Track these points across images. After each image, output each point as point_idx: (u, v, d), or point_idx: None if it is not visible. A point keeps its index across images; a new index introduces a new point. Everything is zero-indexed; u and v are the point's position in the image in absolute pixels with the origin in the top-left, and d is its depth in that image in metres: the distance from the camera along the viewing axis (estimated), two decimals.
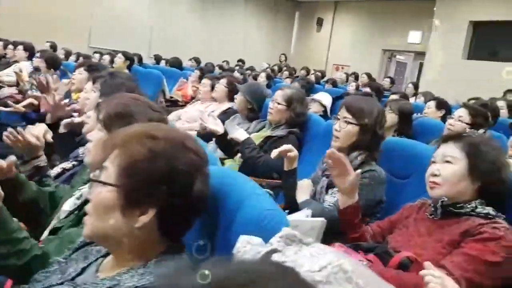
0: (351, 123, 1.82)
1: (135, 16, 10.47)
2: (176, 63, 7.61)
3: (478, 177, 1.41)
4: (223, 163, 2.75)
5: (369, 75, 8.97)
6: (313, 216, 1.57)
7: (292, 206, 1.82)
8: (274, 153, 1.78)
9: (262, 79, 6.40)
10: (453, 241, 1.33)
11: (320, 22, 13.45)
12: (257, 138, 2.56)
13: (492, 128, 3.05)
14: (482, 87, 6.75)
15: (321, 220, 1.45)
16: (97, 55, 7.24)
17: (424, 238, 1.41)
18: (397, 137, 3.06)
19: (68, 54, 7.14)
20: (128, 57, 5.39)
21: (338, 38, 13.37)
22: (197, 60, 9.56)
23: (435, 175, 1.44)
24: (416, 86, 8.21)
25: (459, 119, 2.63)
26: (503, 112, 4.32)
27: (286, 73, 9.75)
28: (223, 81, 3.45)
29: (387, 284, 0.95)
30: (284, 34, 14.23)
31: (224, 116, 3.29)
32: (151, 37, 10.85)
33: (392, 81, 8.89)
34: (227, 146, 2.65)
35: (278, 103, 2.56)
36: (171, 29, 11.03)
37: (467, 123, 2.61)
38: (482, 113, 2.63)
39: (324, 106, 4.06)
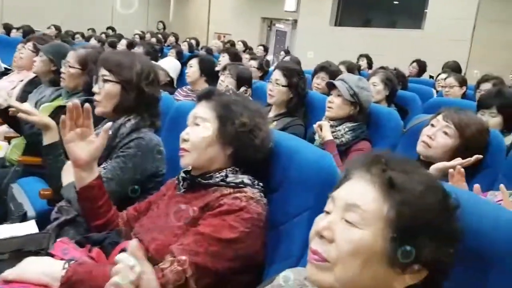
0: (109, 80, 1.49)
1: None
2: (29, 33, 6.68)
3: (229, 142, 1.17)
4: (9, 142, 2.30)
5: (244, 43, 8.81)
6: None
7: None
8: None
9: (122, 46, 5.84)
10: (193, 218, 1.09)
11: None
12: (46, 109, 2.13)
13: None
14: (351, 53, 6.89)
15: None
16: None
17: (168, 218, 1.14)
18: None
19: None
20: None
21: (217, 6, 12.97)
22: (57, 28, 8.62)
23: (184, 140, 1.18)
24: (287, 53, 8.22)
25: (276, 82, 2.47)
26: None
27: (172, 39, 9.26)
28: (29, 45, 2.90)
29: None
30: (162, 1, 13.46)
31: (31, 86, 2.79)
32: (2, 4, 9.51)
33: (266, 49, 8.81)
34: (15, 122, 2.18)
35: (70, 66, 2.15)
36: None
37: (283, 85, 2.46)
38: (296, 72, 2.48)
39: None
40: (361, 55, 6.66)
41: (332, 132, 2.20)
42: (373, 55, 6.61)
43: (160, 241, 1.06)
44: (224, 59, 4.74)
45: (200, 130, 1.17)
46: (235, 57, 4.72)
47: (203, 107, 1.21)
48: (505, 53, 6.82)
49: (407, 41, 7.29)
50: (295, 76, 2.49)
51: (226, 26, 12.61)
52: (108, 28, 10.53)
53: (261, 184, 1.18)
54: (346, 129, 2.19)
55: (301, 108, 2.57)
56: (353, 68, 4.81)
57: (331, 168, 1.12)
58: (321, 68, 3.52)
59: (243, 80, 2.93)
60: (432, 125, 1.69)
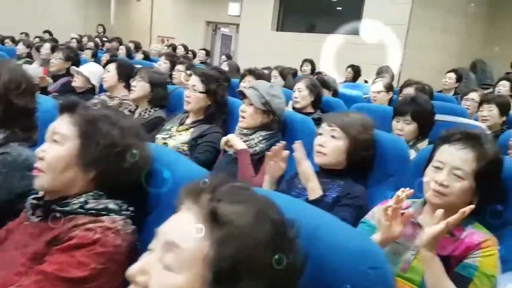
0: None
1: None
2: None
3: (92, 163, 1.05)
4: None
5: (185, 47, 8.64)
6: None
7: None
8: None
9: (46, 50, 5.50)
10: (38, 254, 0.95)
11: None
12: None
13: None
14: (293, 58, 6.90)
15: None
16: None
17: (15, 251, 1.00)
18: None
19: None
20: None
21: (160, 9, 12.71)
22: None
23: (39, 159, 1.04)
24: (229, 57, 8.14)
25: (193, 88, 2.37)
26: None
27: (115, 44, 8.92)
28: None
29: None
30: (101, 4, 13.02)
31: None
32: None
33: (208, 53, 8.69)
34: None
35: None
36: None
37: (201, 92, 2.36)
38: (215, 78, 2.39)
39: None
40: (305, 60, 6.68)
41: (246, 141, 2.12)
42: (316, 60, 6.67)
43: (0, 279, 0.92)
44: (164, 64, 4.61)
45: (57, 149, 1.04)
46: (173, 62, 4.56)
47: (64, 122, 1.07)
48: (438, 57, 7.09)
49: (347, 46, 7.41)
50: (213, 83, 2.39)
51: (170, 30, 12.37)
52: (44, 31, 10.03)
53: (131, 208, 1.06)
54: (260, 138, 2.11)
55: (220, 116, 2.47)
56: (287, 73, 4.81)
57: None
58: (249, 71, 3.46)
59: (156, 84, 2.80)
60: (320, 134, 1.74)
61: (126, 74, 3.03)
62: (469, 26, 7.51)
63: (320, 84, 3.86)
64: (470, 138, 1.28)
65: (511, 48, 7.17)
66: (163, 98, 2.81)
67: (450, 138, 1.31)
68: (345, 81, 6.22)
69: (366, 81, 5.94)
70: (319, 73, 5.55)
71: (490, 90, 5.04)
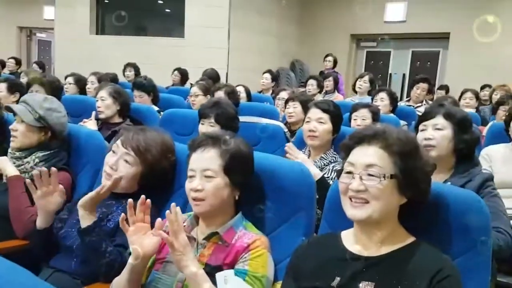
0: None
1: None
2: None
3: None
4: None
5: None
6: None
7: None
8: None
9: None
10: None
11: None
12: None
13: None
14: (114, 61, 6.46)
15: None
16: None
17: None
18: None
19: None
20: None
21: None
22: None
23: None
24: (40, 65, 7.36)
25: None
26: None
27: None
28: None
29: None
30: None
31: None
32: None
33: (18, 62, 7.69)
34: None
35: None
36: None
37: None
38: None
39: None
40: (128, 64, 6.31)
41: (20, 165, 1.79)
42: (141, 64, 6.35)
43: None
44: None
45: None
46: None
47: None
48: (258, 58, 7.43)
49: (174, 50, 7.27)
50: None
51: None
52: None
53: None
54: (37, 160, 1.80)
55: None
56: (105, 79, 4.41)
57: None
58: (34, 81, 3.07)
59: None
60: (114, 152, 1.52)
61: None
62: (284, 28, 8.06)
63: (137, 87, 3.61)
64: (211, 139, 1.29)
65: (321, 47, 7.90)
66: None
67: (195, 145, 1.30)
68: (173, 85, 6.08)
69: (192, 85, 5.86)
70: (143, 77, 5.27)
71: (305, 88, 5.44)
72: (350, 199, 1.05)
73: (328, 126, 2.11)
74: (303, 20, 8.39)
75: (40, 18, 10.36)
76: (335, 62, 6.57)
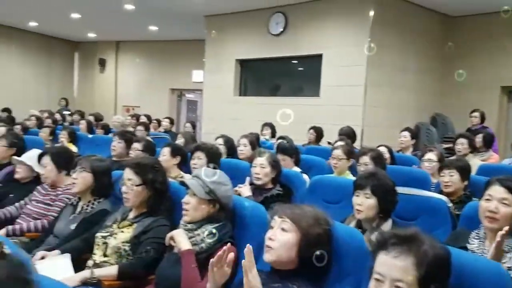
0: None
1: None
2: None
3: None
4: None
5: (148, 117, 8.53)
6: None
7: None
8: None
9: None
10: None
11: (102, 63, 12.64)
12: None
13: None
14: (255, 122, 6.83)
15: None
16: None
17: None
18: None
19: None
20: None
21: (124, 79, 12.74)
22: None
23: None
24: (192, 124, 8.08)
25: (129, 183, 2.19)
26: None
27: (76, 117, 8.70)
28: None
29: None
30: (63, 76, 12.97)
31: None
32: None
33: (172, 121, 8.61)
34: None
35: None
36: None
37: (138, 185, 2.18)
38: (150, 166, 2.26)
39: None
40: (265, 124, 6.62)
41: (191, 237, 1.92)
42: (276, 122, 6.64)
43: None
44: (118, 144, 4.03)
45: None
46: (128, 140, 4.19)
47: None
48: (395, 113, 7.21)
49: (309, 108, 7.45)
50: (148, 172, 2.21)
51: (134, 99, 12.33)
52: (3, 110, 9.68)
53: None
54: (206, 233, 1.91)
55: (164, 203, 2.26)
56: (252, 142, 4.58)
57: None
58: (197, 148, 3.34)
59: (99, 173, 2.57)
60: (271, 227, 1.62)
61: (65, 162, 2.84)
62: (422, 82, 7.74)
63: (280, 151, 3.77)
64: (405, 242, 1.17)
65: (464, 100, 7.38)
66: (107, 187, 2.60)
67: (387, 243, 1.19)
68: (309, 143, 6.17)
69: (329, 143, 5.87)
70: (282, 137, 5.44)
71: (451, 145, 5.05)
72: None
73: None
74: (444, 71, 7.97)
75: (189, 80, 11.55)
76: (482, 117, 6.06)
